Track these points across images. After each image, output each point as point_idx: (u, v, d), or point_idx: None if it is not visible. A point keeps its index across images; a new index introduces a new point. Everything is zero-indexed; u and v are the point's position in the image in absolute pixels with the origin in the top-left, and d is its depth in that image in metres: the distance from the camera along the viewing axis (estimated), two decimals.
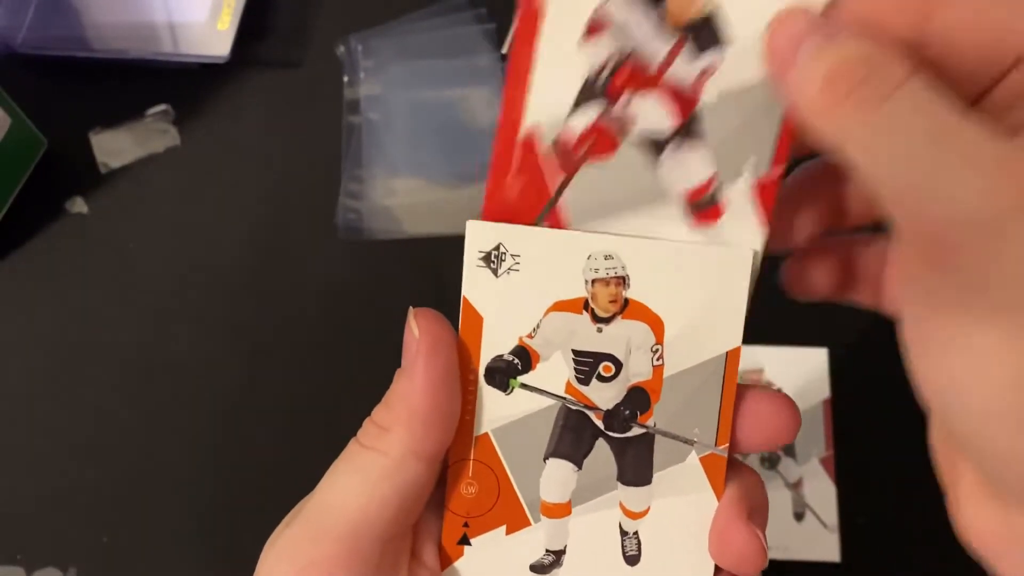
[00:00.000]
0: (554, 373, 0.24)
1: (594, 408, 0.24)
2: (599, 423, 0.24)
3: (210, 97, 0.53)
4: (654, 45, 0.22)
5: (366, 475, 0.23)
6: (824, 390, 0.44)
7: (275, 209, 0.50)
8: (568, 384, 0.24)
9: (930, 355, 0.20)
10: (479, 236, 0.23)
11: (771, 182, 0.22)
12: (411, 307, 0.23)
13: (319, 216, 0.49)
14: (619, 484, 0.24)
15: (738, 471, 0.24)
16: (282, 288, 0.48)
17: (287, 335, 0.47)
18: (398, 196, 0.49)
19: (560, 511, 0.25)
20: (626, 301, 0.23)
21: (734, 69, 0.22)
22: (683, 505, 0.24)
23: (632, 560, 0.24)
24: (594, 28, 0.22)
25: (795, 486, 0.42)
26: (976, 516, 0.21)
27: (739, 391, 0.24)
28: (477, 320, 0.24)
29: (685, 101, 0.23)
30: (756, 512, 0.24)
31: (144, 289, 0.49)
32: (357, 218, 0.49)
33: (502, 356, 0.24)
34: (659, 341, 0.24)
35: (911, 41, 0.19)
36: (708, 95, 0.22)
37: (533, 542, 0.25)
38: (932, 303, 0.19)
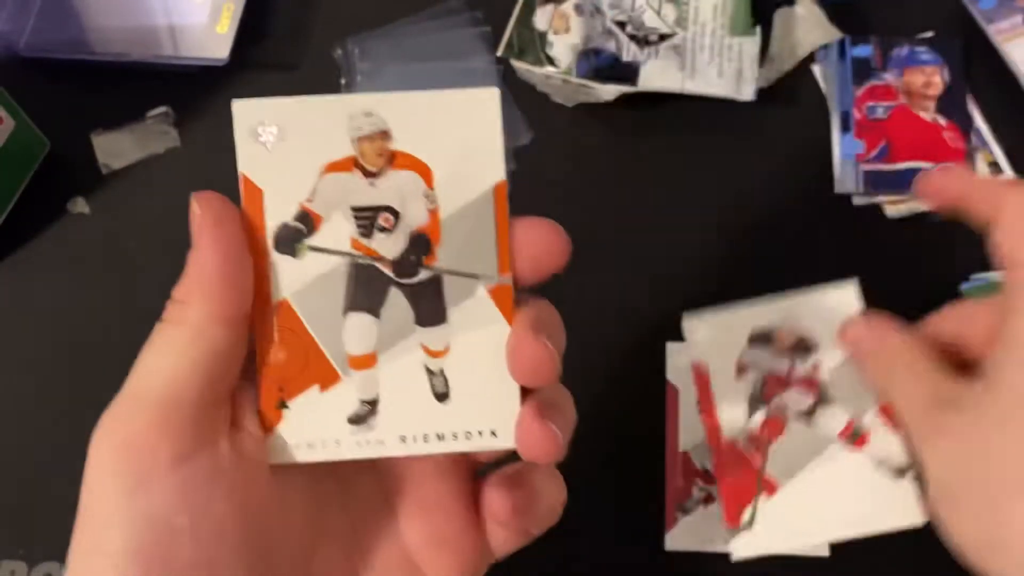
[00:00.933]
0: (338, 232, 0.25)
1: (381, 259, 0.25)
2: (389, 272, 0.25)
3: (210, 99, 0.53)
4: (778, 364, 0.36)
5: (171, 346, 0.24)
6: None
7: None
8: (353, 240, 0.25)
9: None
10: (247, 113, 0.25)
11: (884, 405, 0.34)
12: (192, 192, 0.25)
13: None
14: (417, 327, 0.25)
15: (526, 301, 0.25)
16: None
17: None
18: None
19: (367, 362, 0.25)
20: (393, 154, 0.25)
21: (827, 357, 0.35)
22: (480, 337, 0.25)
23: (442, 397, 0.25)
24: (741, 369, 0.35)
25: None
26: None
27: (511, 223, 0.25)
28: (257, 193, 0.25)
29: (812, 384, 0.35)
30: (546, 328, 0.24)
31: (144, 287, 0.47)
32: None
33: (287, 223, 0.25)
34: (429, 186, 0.25)
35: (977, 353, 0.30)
36: (823, 376, 0.35)
37: (347, 395, 0.25)
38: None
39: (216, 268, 0.24)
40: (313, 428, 0.25)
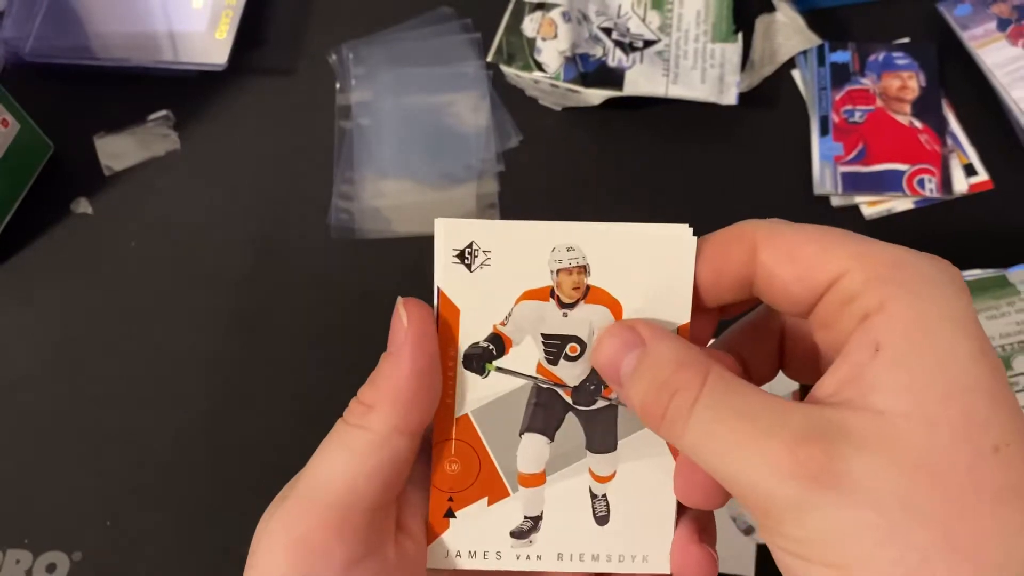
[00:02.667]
0: (526, 356, 0.26)
1: (563, 385, 0.26)
2: (568, 398, 0.26)
3: (209, 103, 0.53)
4: None
5: (353, 450, 0.23)
6: (792, 383, 0.45)
7: (271, 209, 0.50)
8: (539, 365, 0.26)
9: None
10: (452, 233, 0.25)
11: None
12: (399, 296, 0.24)
13: (313, 216, 0.49)
14: (588, 452, 0.26)
15: None
16: (277, 284, 0.48)
17: (282, 329, 0.47)
18: (387, 197, 0.50)
19: (536, 480, 0.26)
20: (587, 287, 0.25)
21: None
22: (645, 467, 0.26)
23: (602, 520, 0.26)
24: None
25: None
26: None
27: None
28: (454, 311, 0.25)
29: None
30: (704, 532, 0.26)
31: (145, 285, 0.49)
32: (349, 218, 0.49)
33: (478, 343, 0.25)
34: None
35: (744, 274, 0.23)
36: None
37: (512, 510, 0.26)
38: (781, 556, 0.21)
39: (410, 383, 0.24)
40: (476, 538, 0.26)
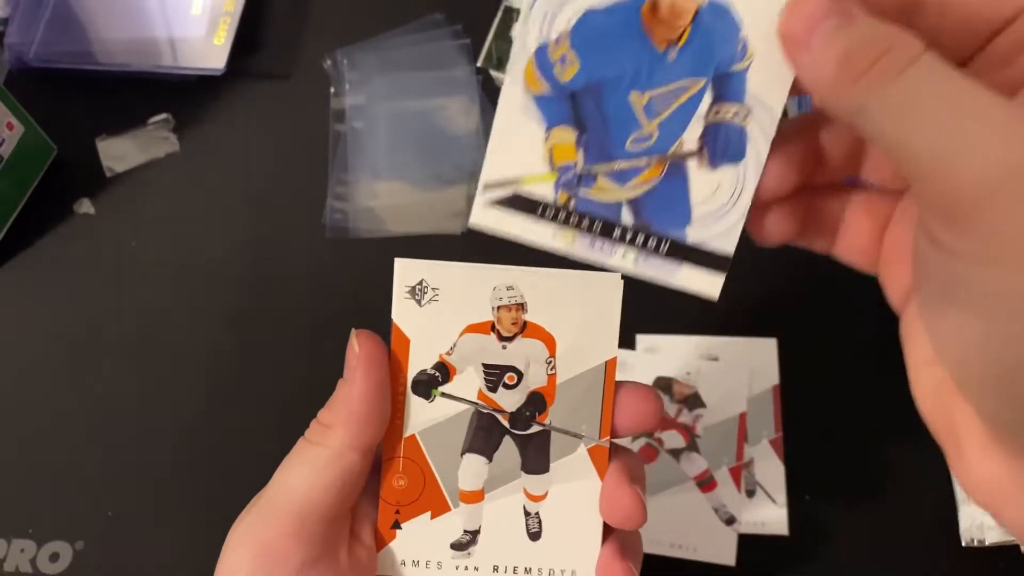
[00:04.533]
0: (468, 383, 0.27)
1: (501, 411, 0.28)
2: (505, 423, 0.28)
3: (207, 107, 0.53)
4: (669, 408, 0.44)
5: (312, 465, 0.26)
6: (773, 377, 0.46)
7: (267, 210, 0.51)
8: (480, 392, 0.28)
9: (947, 309, 0.19)
10: (406, 272, 0.27)
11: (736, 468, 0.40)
12: (353, 328, 0.26)
13: (308, 216, 0.50)
14: (523, 473, 0.28)
15: (620, 452, 0.28)
16: (274, 283, 0.49)
17: (278, 326, 0.48)
18: (381, 198, 0.50)
19: (475, 497, 0.28)
20: (524, 323, 0.27)
21: (712, 414, 0.42)
22: (574, 488, 0.28)
23: (535, 536, 0.28)
24: None
25: (747, 465, 0.44)
26: (980, 466, 0.21)
27: (616, 386, 0.27)
28: (405, 341, 0.27)
29: (687, 432, 0.43)
30: (636, 479, 0.27)
31: (146, 284, 0.49)
32: (343, 218, 0.50)
33: (426, 371, 0.27)
34: (552, 355, 0.27)
35: (907, 4, 0.20)
36: (699, 429, 0.43)
37: (453, 524, 0.28)
38: (950, 259, 0.18)
39: (362, 403, 0.26)
40: (420, 549, 0.28)
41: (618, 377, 0.28)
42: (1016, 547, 0.40)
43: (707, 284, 0.23)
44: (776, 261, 0.39)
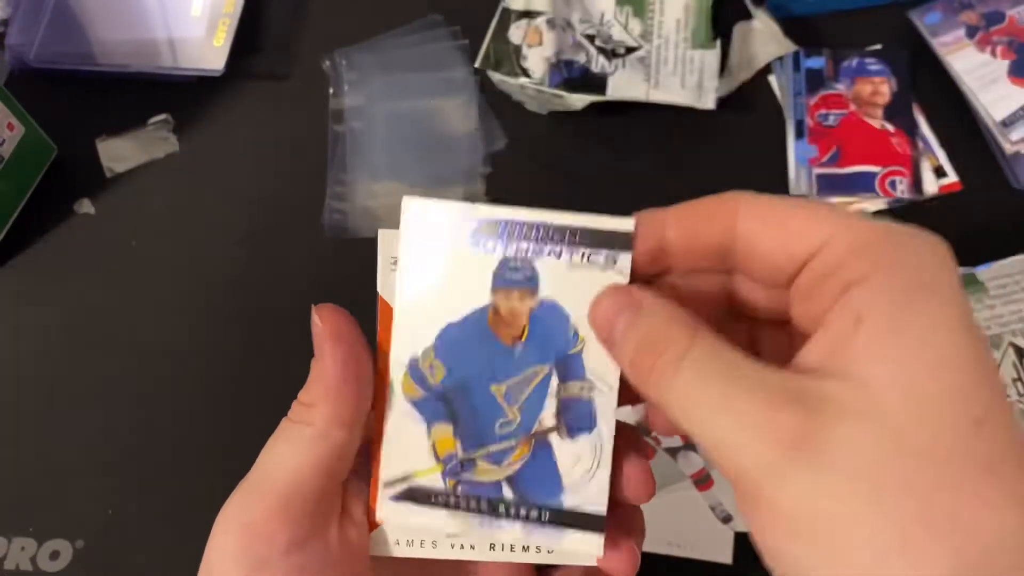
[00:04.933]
0: None
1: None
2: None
3: (206, 107, 0.54)
4: None
5: (296, 443, 0.25)
6: None
7: (266, 210, 0.51)
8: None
9: (771, 557, 0.21)
10: (388, 243, 0.26)
11: None
12: (312, 304, 0.26)
13: (307, 216, 0.50)
14: None
15: (623, 428, 0.27)
16: (273, 282, 0.49)
17: (277, 324, 0.48)
18: (379, 198, 0.50)
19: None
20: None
21: None
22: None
23: None
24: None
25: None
26: None
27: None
28: (388, 311, 0.26)
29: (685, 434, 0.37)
30: (635, 531, 0.27)
31: (146, 283, 0.49)
32: (342, 218, 0.50)
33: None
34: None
35: (722, 245, 0.23)
36: None
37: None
38: (749, 522, 0.21)
39: (335, 377, 0.25)
40: (414, 527, 0.27)
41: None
42: None
43: (589, 545, 0.26)
44: None
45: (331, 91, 0.53)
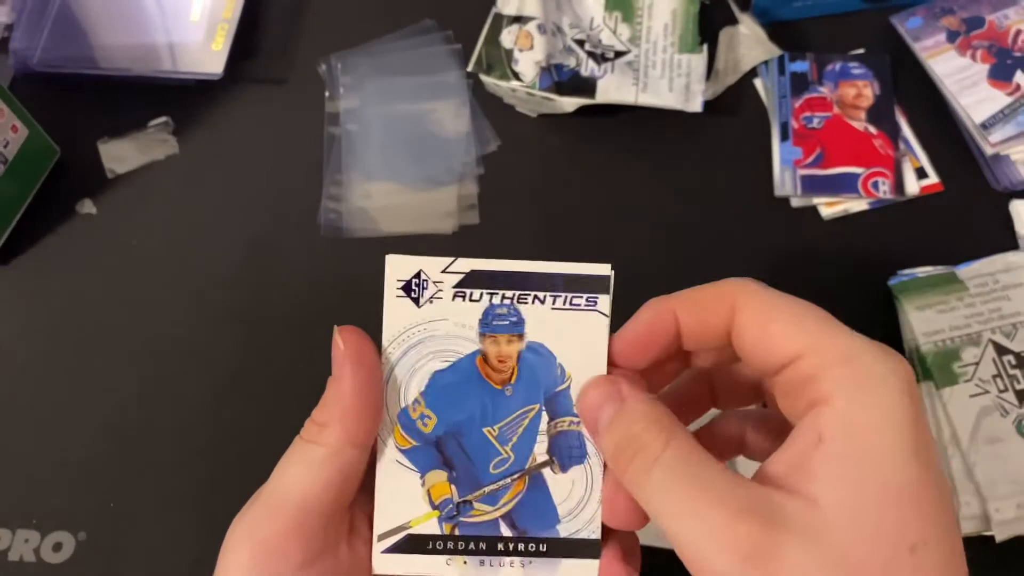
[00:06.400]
0: None
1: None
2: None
3: (206, 110, 0.54)
4: None
5: (310, 463, 0.25)
6: None
7: (264, 210, 0.51)
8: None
9: None
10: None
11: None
12: (335, 325, 0.26)
13: (303, 216, 0.50)
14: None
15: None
16: (270, 280, 0.49)
17: (275, 322, 0.48)
18: (374, 199, 0.50)
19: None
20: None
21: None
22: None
23: None
24: None
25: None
26: None
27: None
28: None
29: None
30: (629, 554, 0.28)
31: (146, 282, 0.49)
32: (337, 218, 0.50)
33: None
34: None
35: (724, 328, 0.24)
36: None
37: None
38: None
39: (354, 399, 0.25)
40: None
41: None
42: (991, 538, 0.41)
43: (586, 570, 0.27)
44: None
45: (327, 94, 0.53)
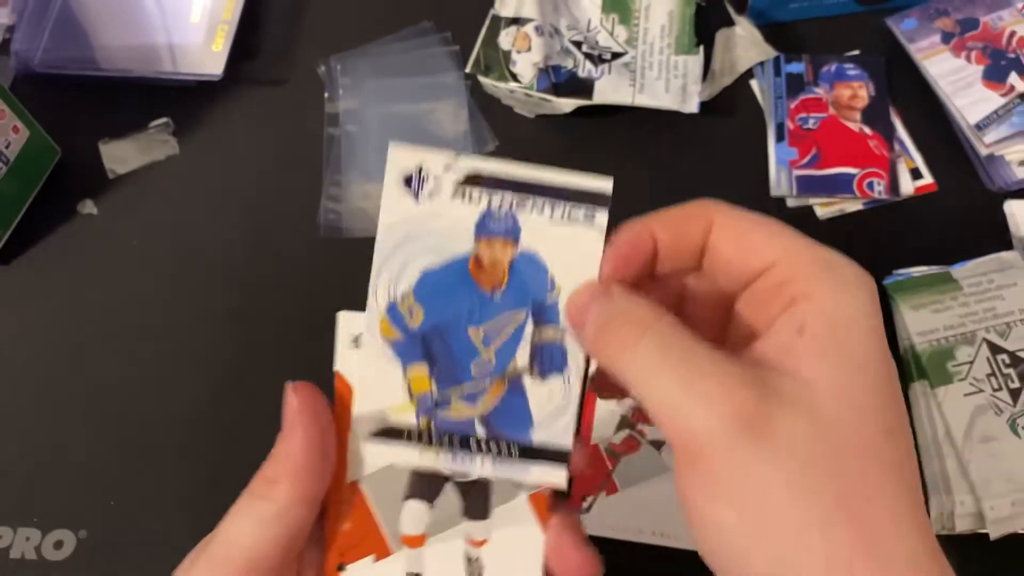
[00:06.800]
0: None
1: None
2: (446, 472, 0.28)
3: (206, 111, 0.54)
4: None
5: (259, 519, 0.25)
6: None
7: (264, 210, 0.51)
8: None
9: (699, 520, 0.23)
10: (350, 320, 0.27)
11: None
12: (288, 382, 0.25)
13: (303, 216, 0.50)
14: (464, 518, 0.28)
15: (561, 505, 0.28)
16: (270, 280, 0.49)
17: (274, 321, 0.48)
18: (373, 199, 0.50)
19: (416, 542, 0.28)
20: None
21: None
22: (516, 536, 0.28)
23: None
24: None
25: None
26: None
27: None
28: (349, 391, 0.27)
29: None
30: (582, 534, 0.27)
31: (146, 281, 0.50)
32: (336, 218, 0.50)
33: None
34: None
35: (698, 245, 0.25)
36: None
37: (396, 567, 0.28)
38: (684, 486, 0.23)
39: (304, 458, 0.25)
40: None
41: None
42: (985, 536, 0.41)
43: (554, 476, 0.27)
44: None
45: (326, 95, 0.54)
